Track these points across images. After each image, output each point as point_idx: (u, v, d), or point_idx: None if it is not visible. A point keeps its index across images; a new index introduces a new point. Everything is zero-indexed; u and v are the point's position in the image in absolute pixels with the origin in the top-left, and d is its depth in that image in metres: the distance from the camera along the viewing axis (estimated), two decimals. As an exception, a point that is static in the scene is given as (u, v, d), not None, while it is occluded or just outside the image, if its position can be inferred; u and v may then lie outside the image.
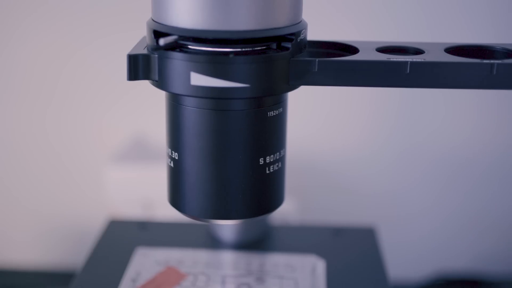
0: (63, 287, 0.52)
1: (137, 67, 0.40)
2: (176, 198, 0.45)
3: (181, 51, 0.39)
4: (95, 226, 0.82)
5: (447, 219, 0.89)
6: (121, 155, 0.81)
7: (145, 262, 0.53)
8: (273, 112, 0.42)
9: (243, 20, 0.39)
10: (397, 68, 0.41)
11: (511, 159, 0.86)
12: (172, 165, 0.44)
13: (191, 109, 0.41)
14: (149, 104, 0.82)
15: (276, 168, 0.44)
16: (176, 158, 0.43)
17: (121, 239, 0.59)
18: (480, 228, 0.89)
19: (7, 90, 0.85)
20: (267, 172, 0.43)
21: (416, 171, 0.87)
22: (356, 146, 0.86)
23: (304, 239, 0.58)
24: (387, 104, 0.84)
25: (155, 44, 0.39)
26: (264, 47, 0.40)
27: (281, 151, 0.44)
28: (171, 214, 0.64)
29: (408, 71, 0.41)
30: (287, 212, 0.71)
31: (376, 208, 0.87)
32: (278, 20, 0.40)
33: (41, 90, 0.85)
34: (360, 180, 0.87)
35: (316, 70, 0.41)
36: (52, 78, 0.84)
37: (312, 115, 0.85)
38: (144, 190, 0.78)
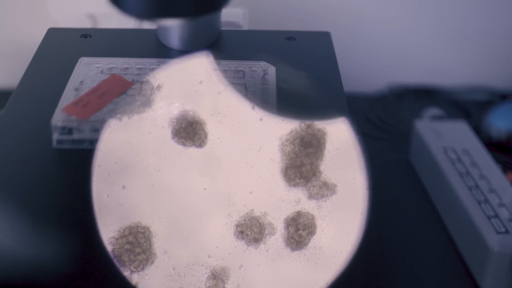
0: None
1: None
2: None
3: None
4: (38, 41, 0.80)
5: (402, 30, 0.88)
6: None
7: (89, 71, 0.52)
8: None
9: None
10: None
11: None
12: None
13: None
14: None
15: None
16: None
17: (62, 48, 0.57)
18: (434, 40, 0.88)
19: None
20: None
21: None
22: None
23: (255, 45, 0.57)
24: None
25: None
26: None
27: None
28: (118, 25, 0.62)
29: None
30: (238, 18, 0.69)
31: (331, 17, 0.86)
32: None
33: None
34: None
35: None
36: None
37: None
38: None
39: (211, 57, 0.43)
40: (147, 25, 0.59)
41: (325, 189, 0.41)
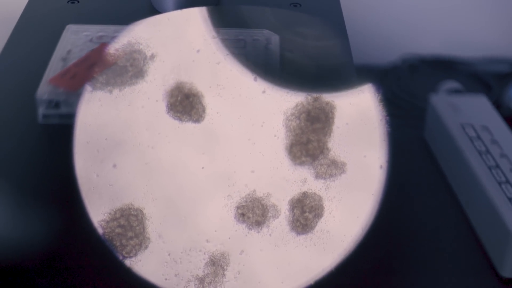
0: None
1: None
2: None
3: None
4: (21, 7, 0.80)
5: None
6: None
7: (77, 40, 0.52)
8: None
9: None
10: None
11: None
12: None
13: None
14: None
15: None
16: None
17: (48, 15, 0.57)
18: (451, 8, 0.88)
19: None
20: None
21: None
22: None
23: (258, 12, 0.56)
24: None
25: None
26: None
27: None
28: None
29: None
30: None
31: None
32: None
33: None
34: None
35: None
36: None
37: None
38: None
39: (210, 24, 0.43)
40: (140, -11, 0.59)
41: (334, 168, 0.41)
